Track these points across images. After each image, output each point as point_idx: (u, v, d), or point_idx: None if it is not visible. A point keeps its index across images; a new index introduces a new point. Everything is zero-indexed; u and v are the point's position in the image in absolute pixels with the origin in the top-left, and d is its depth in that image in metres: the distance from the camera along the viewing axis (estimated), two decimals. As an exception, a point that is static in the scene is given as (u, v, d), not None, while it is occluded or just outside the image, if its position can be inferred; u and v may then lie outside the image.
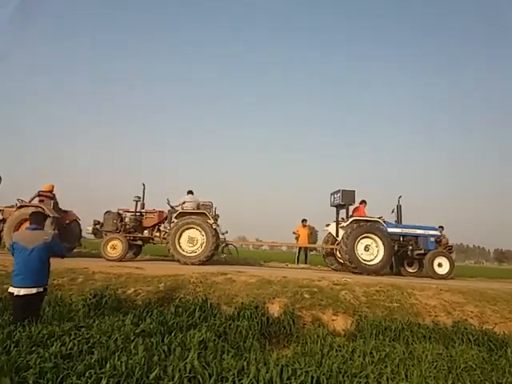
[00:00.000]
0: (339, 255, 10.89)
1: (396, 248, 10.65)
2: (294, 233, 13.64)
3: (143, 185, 11.07)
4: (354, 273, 9.90)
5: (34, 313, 4.48)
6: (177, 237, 9.82)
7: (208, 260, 10.05)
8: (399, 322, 5.68)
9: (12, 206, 10.49)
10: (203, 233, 9.83)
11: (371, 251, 10.11)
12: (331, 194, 11.55)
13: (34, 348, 3.54)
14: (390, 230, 10.63)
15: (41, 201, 10.38)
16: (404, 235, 10.98)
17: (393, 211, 11.23)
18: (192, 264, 9.45)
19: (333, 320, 6.00)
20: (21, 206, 10.12)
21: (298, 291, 6.55)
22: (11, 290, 4.43)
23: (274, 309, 6.08)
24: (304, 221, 13.67)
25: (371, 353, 4.37)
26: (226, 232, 12.13)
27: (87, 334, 4.05)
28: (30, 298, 4.43)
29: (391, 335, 5.37)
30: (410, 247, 10.80)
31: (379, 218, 10.64)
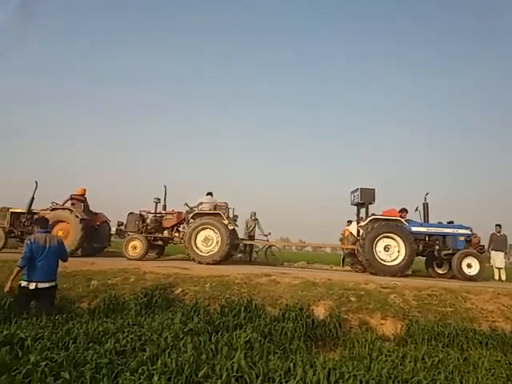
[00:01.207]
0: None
1: (421, 248, 10.06)
2: (341, 234, 13.41)
3: (165, 187, 11.44)
4: (373, 274, 9.53)
5: (46, 306, 4.87)
6: (193, 237, 10.06)
7: (223, 260, 10.17)
8: (453, 327, 5.40)
9: (46, 209, 11.19)
10: (218, 233, 10.00)
11: (392, 252, 9.64)
12: (351, 193, 11.27)
13: (90, 344, 3.74)
14: (414, 229, 10.06)
15: (72, 204, 11.02)
16: (430, 234, 10.33)
17: (417, 209, 10.62)
18: (207, 264, 9.61)
19: (381, 324, 5.82)
20: (54, 209, 10.84)
21: (343, 294, 6.42)
22: (24, 284, 4.82)
23: (320, 311, 6.00)
24: (350, 222, 13.39)
25: (423, 358, 4.20)
26: (269, 233, 12.18)
27: (139, 331, 4.23)
28: (42, 291, 4.86)
29: (444, 341, 5.12)
30: (437, 247, 10.15)
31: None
